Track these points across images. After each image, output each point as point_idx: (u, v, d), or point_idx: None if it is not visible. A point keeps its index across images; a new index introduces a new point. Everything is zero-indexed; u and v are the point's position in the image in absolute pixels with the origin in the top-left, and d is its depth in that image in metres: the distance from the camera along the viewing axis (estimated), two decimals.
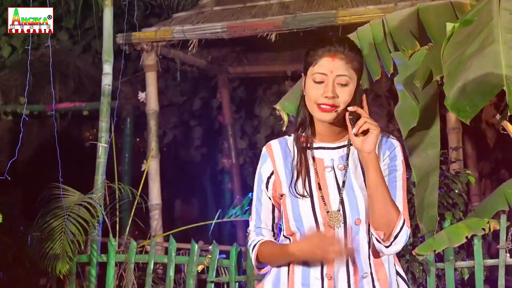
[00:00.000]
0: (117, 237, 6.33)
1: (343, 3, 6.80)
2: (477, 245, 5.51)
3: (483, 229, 5.03)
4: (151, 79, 7.41)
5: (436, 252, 5.29)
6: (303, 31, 6.67)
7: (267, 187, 2.65)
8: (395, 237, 2.52)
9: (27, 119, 6.10)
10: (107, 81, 6.63)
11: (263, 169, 2.67)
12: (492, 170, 8.16)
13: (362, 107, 2.52)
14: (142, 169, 7.14)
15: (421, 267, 5.54)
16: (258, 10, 7.23)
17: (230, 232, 9.26)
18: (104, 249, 6.19)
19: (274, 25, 6.80)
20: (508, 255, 5.48)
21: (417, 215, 4.52)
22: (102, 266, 6.15)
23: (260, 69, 9.15)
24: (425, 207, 4.48)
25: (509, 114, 3.20)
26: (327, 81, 2.51)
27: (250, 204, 4.35)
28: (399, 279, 2.66)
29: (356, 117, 2.50)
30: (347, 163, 2.60)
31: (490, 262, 5.58)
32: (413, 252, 5.09)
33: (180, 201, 10.35)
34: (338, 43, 2.55)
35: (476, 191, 7.53)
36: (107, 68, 6.62)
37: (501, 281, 5.48)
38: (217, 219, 6.73)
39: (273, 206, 2.66)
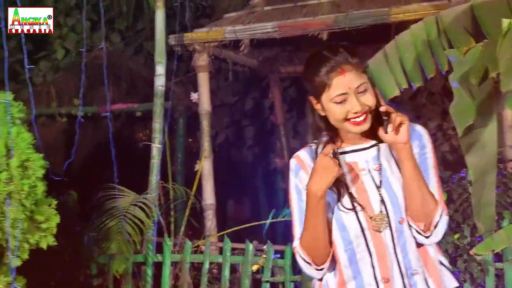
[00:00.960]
0: (172, 237, 6.38)
1: (395, 0, 6.73)
2: None
3: None
4: (203, 79, 7.42)
5: (495, 252, 5.21)
6: (355, 30, 6.62)
7: None
8: (435, 227, 2.52)
9: (82, 120, 6.16)
10: (160, 82, 6.68)
11: (299, 180, 2.58)
12: None
13: (379, 102, 2.50)
14: (195, 169, 7.16)
15: (480, 267, 5.47)
16: (309, 9, 7.19)
17: (284, 232, 9.23)
18: (159, 249, 6.25)
19: (325, 24, 6.76)
20: None
21: (474, 214, 4.46)
22: (158, 266, 6.20)
23: None
24: (483, 206, 4.40)
25: None
26: (349, 97, 2.45)
27: None
28: (443, 268, 2.64)
29: (385, 115, 2.48)
30: (380, 162, 2.57)
31: None
32: (471, 252, 5.00)
33: (233, 201, 10.37)
34: (337, 55, 2.46)
35: None
36: (160, 69, 6.67)
37: None
38: (271, 219, 6.73)
39: None
